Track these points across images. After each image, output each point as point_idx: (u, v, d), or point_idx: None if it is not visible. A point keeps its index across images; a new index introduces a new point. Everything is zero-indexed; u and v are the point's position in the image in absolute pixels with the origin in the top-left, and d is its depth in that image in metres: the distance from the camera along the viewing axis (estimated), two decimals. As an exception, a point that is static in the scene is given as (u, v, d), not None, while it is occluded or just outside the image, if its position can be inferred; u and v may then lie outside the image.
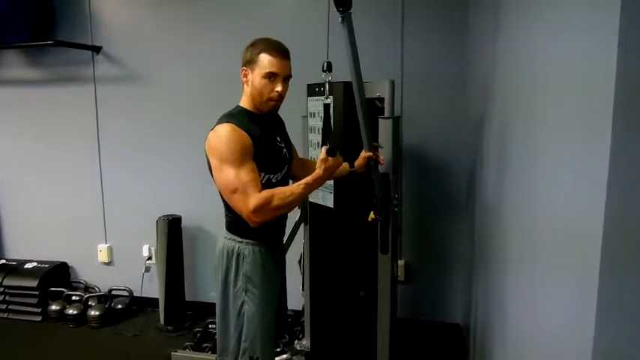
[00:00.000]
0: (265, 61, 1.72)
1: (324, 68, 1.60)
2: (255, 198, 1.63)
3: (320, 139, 2.37)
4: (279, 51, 1.74)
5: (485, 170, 2.17)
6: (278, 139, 1.87)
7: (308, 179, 1.69)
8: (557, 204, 1.11)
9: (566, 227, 1.04)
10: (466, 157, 2.88)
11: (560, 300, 1.07)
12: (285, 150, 1.90)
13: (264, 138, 1.76)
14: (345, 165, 2.12)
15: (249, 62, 1.76)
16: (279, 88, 1.74)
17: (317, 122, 2.44)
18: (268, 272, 1.85)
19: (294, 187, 1.69)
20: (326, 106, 1.64)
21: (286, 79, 1.78)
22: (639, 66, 0.75)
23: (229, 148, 1.66)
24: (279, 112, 1.91)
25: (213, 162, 1.71)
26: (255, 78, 1.75)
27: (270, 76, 1.73)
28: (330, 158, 1.69)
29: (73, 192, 3.66)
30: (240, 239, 1.82)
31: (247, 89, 1.80)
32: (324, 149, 1.71)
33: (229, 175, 1.66)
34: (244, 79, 1.79)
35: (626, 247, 0.80)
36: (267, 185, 1.75)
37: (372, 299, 2.29)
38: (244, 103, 1.82)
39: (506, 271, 1.66)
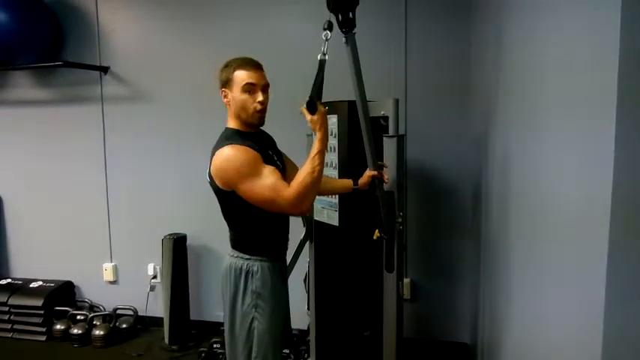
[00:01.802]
0: (241, 75, 1.78)
1: (325, 27, 1.63)
2: (290, 192, 1.65)
3: (331, 158, 2.39)
4: (252, 64, 1.81)
5: (490, 185, 2.17)
6: (270, 152, 1.90)
7: (314, 147, 1.68)
8: (561, 215, 1.11)
9: (570, 239, 1.04)
10: (470, 172, 2.88)
11: (566, 312, 1.06)
12: (278, 162, 1.92)
13: (261, 152, 1.78)
14: (349, 182, 2.13)
15: (227, 82, 1.81)
16: (260, 98, 1.79)
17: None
18: (276, 287, 1.86)
19: (310, 161, 1.67)
20: (321, 62, 1.66)
21: (265, 89, 1.82)
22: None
23: (244, 162, 1.70)
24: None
25: (238, 187, 1.71)
26: (235, 95, 1.79)
27: (249, 89, 1.78)
28: (314, 116, 1.68)
29: (79, 211, 3.68)
30: (247, 256, 1.83)
31: (231, 110, 1.84)
32: (304, 109, 1.69)
33: (258, 186, 1.68)
34: (225, 100, 1.83)
35: (633, 257, 0.80)
36: None
37: (378, 319, 2.28)
38: (232, 124, 1.86)
39: (511, 288, 1.65)
